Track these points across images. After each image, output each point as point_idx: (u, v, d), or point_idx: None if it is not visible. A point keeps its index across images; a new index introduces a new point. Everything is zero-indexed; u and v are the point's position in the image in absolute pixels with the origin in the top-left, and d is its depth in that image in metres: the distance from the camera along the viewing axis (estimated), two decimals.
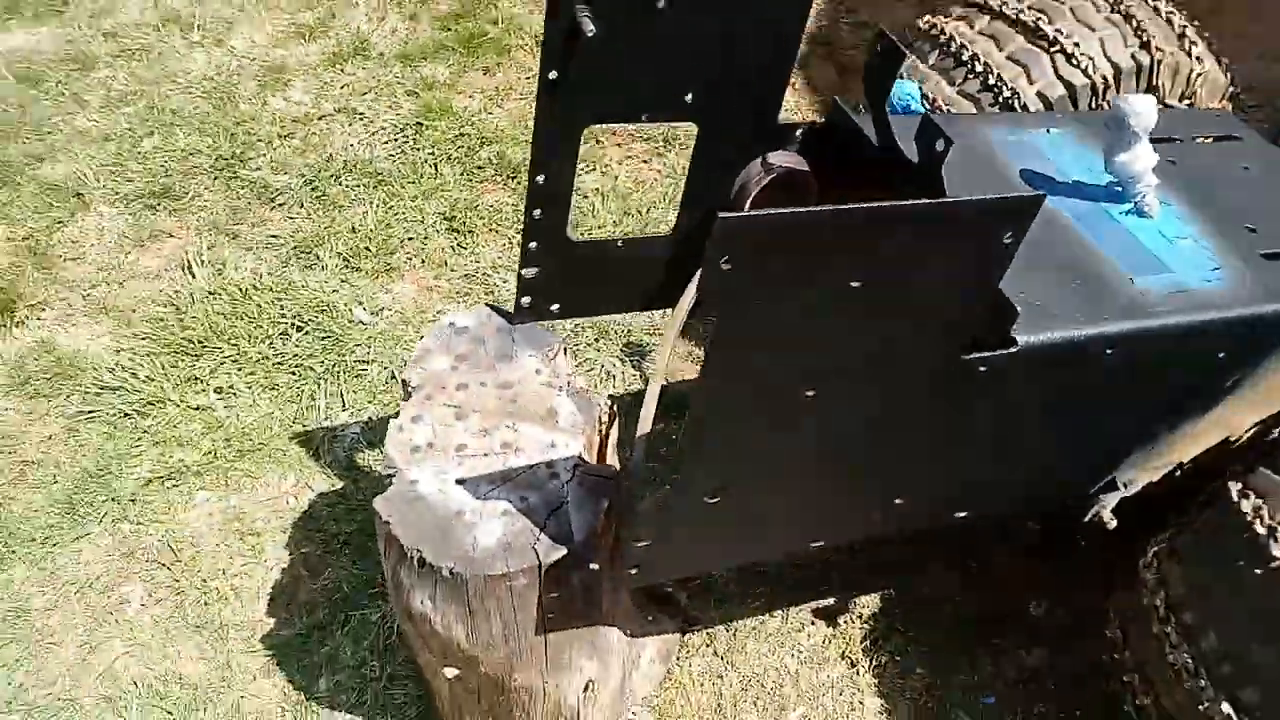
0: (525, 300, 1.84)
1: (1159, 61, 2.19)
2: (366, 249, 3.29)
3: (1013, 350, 1.42)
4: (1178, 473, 1.87)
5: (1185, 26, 2.27)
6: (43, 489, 2.67)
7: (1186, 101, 2.27)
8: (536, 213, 1.72)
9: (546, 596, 1.65)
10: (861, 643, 2.33)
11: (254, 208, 3.49)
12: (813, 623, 2.37)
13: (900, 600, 2.39)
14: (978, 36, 2.30)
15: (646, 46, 1.58)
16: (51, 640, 2.39)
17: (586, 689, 1.95)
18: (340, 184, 3.53)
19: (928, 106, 2.18)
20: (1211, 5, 4.06)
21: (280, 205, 3.48)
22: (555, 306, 1.88)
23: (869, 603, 2.39)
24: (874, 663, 2.30)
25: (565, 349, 1.89)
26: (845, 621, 2.36)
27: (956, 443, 1.58)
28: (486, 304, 1.94)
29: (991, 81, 2.20)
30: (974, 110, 2.21)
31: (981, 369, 1.42)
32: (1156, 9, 2.30)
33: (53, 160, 3.71)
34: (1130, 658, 1.83)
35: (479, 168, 3.56)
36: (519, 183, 3.54)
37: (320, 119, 3.84)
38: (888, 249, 1.19)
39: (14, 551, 2.54)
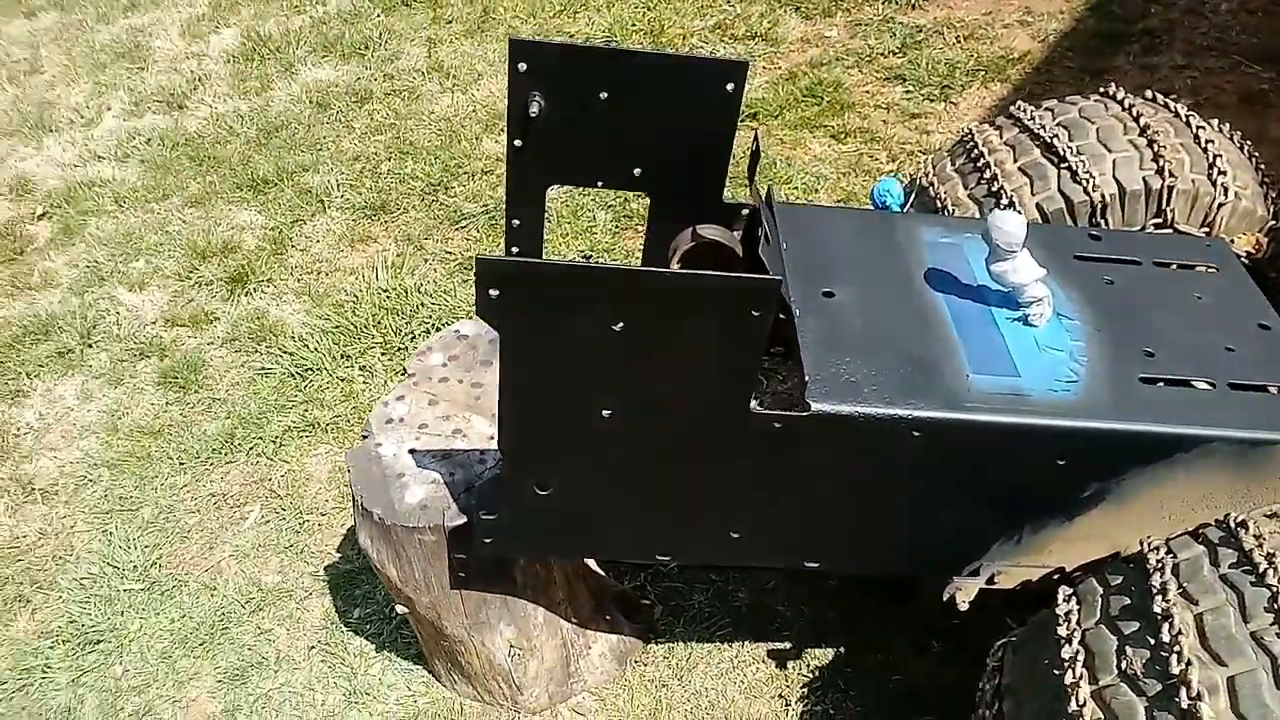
0: None
1: (1171, 187, 2.22)
2: None
3: (805, 414, 1.63)
4: (1056, 576, 1.92)
5: (1219, 157, 2.26)
6: (218, 420, 3.43)
7: (1205, 229, 2.26)
8: (515, 250, 2.13)
9: (454, 556, 2.04)
10: (800, 688, 2.49)
11: (443, 227, 4.16)
12: (764, 660, 2.56)
13: (850, 661, 2.52)
14: (1000, 146, 2.42)
15: (593, 127, 1.94)
16: (185, 535, 3.10)
17: (511, 653, 2.30)
18: None
19: (906, 204, 2.35)
20: None
21: (463, 228, 4.13)
22: None
23: (821, 656, 2.55)
24: (805, 708, 2.45)
25: None
26: (793, 667, 2.53)
27: (775, 491, 1.78)
28: None
29: (996, 188, 2.33)
30: (976, 213, 2.34)
31: (777, 425, 1.64)
32: (1198, 138, 2.32)
33: (314, 171, 4.61)
34: None
35: (628, 216, 4.02)
36: None
37: None
38: (643, 304, 1.48)
39: (183, 464, 3.29)
